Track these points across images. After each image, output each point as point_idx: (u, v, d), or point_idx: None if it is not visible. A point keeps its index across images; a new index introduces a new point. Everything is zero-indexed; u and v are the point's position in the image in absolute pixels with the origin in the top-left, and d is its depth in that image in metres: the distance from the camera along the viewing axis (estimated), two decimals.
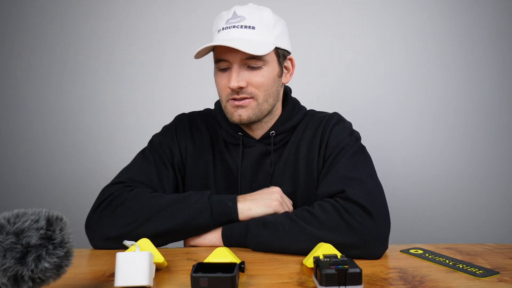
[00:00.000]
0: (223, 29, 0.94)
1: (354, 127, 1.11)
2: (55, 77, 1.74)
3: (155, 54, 1.71)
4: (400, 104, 1.65)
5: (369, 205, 0.82)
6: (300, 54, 1.66)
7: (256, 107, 0.96)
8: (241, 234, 0.88)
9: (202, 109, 1.17)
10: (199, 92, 1.70)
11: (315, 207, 0.86)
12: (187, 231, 0.90)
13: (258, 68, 0.94)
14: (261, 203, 0.89)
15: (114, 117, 1.73)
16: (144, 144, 1.10)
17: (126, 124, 1.73)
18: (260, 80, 0.95)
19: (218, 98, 1.12)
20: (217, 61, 0.96)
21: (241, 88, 0.94)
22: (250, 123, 1.00)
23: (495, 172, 1.63)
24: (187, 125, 1.10)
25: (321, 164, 0.99)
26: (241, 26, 0.93)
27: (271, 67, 0.97)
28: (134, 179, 0.97)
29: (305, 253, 0.79)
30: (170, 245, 1.01)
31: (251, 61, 0.93)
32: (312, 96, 1.68)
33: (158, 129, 1.14)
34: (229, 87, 0.94)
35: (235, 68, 0.93)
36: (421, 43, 1.63)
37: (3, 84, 1.75)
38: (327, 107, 1.17)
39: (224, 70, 0.96)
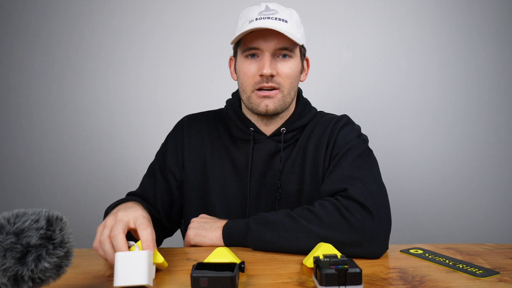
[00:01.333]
0: (256, 19, 0.96)
1: None
2: (55, 77, 1.74)
3: (157, 53, 1.71)
4: (400, 104, 1.65)
5: (369, 204, 0.82)
6: None
7: (281, 98, 0.99)
8: (242, 233, 0.88)
9: (204, 107, 1.19)
10: (200, 91, 1.70)
11: (315, 205, 0.86)
12: None
13: (288, 59, 0.98)
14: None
15: (115, 117, 1.73)
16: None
17: (127, 125, 1.72)
18: (289, 71, 0.98)
19: (227, 97, 1.13)
20: (247, 49, 0.97)
21: (272, 76, 0.96)
22: (275, 114, 1.02)
23: (495, 172, 1.63)
24: (185, 126, 1.11)
25: (327, 163, 1.01)
26: (276, 18, 0.95)
27: (297, 61, 1.01)
28: (135, 193, 1.06)
29: (305, 251, 0.79)
30: (170, 245, 1.01)
31: (282, 51, 0.97)
32: (312, 96, 1.68)
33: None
34: (261, 74, 0.96)
35: (267, 56, 0.96)
36: (421, 43, 1.63)
37: (3, 84, 1.75)
38: (327, 107, 1.17)
39: (252, 57, 0.98)
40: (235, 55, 1.06)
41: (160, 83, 1.72)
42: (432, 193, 1.65)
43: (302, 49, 1.03)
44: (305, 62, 1.08)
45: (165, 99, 1.72)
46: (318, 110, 1.13)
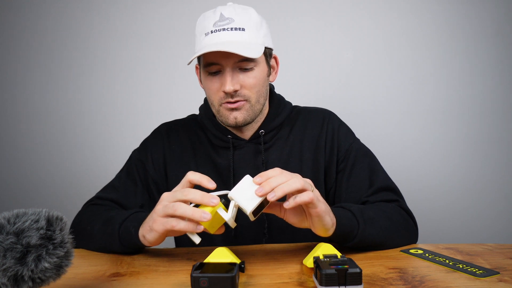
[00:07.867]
0: (211, 32, 0.92)
1: (354, 128, 1.12)
2: (55, 78, 1.73)
3: (150, 55, 1.70)
4: (401, 105, 1.65)
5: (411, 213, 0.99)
6: (300, 53, 1.66)
7: (250, 108, 0.96)
8: (352, 226, 0.82)
9: (194, 111, 1.15)
10: (195, 93, 1.70)
11: (395, 206, 0.95)
12: (111, 251, 0.88)
13: (250, 69, 0.94)
14: (147, 228, 0.78)
15: (113, 118, 1.73)
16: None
17: (125, 125, 1.72)
18: (253, 82, 0.95)
19: (202, 103, 1.11)
20: (207, 65, 0.94)
21: (235, 91, 0.93)
22: (245, 125, 1.00)
23: (495, 172, 1.63)
24: (164, 135, 1.09)
25: (333, 167, 1.03)
26: (231, 29, 0.91)
27: (261, 68, 0.97)
28: (104, 197, 1.02)
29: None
30: (169, 245, 1.01)
31: (243, 64, 0.93)
32: (312, 96, 1.68)
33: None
34: (223, 91, 0.93)
35: (228, 71, 0.92)
36: (423, 43, 1.63)
37: (2, 85, 1.75)
38: (327, 107, 1.17)
39: (214, 74, 0.95)
40: (199, 63, 1.02)
41: (153, 86, 1.72)
42: (432, 194, 1.65)
43: (267, 50, 0.98)
44: (273, 60, 1.03)
45: (160, 102, 1.70)
46: (301, 105, 1.12)
